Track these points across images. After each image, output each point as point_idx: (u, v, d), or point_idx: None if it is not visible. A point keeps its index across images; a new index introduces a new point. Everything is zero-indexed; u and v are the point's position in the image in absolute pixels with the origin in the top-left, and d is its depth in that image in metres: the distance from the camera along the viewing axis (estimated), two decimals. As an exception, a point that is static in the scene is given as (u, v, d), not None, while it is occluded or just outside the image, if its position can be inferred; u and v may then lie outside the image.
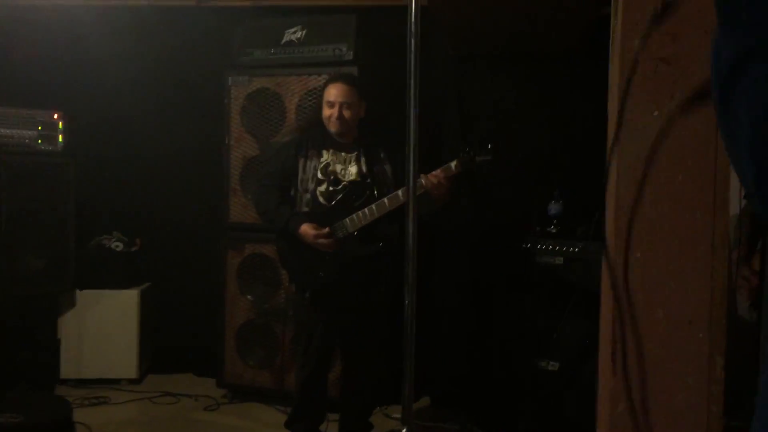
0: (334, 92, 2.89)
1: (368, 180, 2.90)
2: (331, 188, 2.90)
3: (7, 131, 3.62)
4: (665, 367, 1.49)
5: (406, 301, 1.78)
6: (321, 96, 2.97)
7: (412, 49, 1.74)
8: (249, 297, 3.70)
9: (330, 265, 2.85)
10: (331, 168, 2.93)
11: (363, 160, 2.92)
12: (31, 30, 4.01)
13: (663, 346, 1.47)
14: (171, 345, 4.19)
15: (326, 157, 2.94)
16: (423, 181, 2.65)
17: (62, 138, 3.74)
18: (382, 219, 2.80)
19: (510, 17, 2.98)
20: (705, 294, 1.40)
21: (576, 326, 2.78)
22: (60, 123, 3.74)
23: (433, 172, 2.68)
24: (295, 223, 2.86)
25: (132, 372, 3.95)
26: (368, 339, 3.01)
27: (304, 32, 3.57)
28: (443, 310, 3.70)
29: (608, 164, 1.32)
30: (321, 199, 2.90)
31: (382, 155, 2.94)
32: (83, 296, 3.92)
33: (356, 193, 2.88)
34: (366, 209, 2.80)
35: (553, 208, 3.14)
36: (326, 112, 2.91)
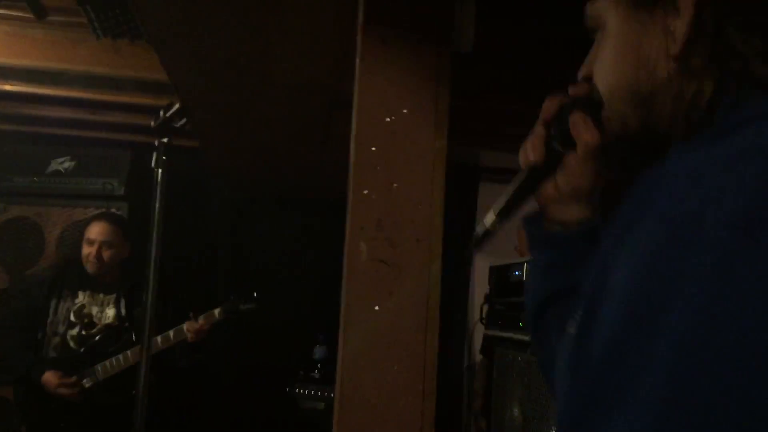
0: (95, 230, 2.79)
1: (126, 324, 2.78)
2: (84, 332, 2.73)
3: None
4: None
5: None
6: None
7: (158, 187, 1.73)
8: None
9: (73, 416, 2.63)
10: (86, 310, 2.77)
11: (123, 302, 2.81)
12: None
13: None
14: None
15: (82, 298, 2.78)
16: (185, 326, 2.62)
17: None
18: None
19: (277, 168, 3.17)
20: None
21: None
22: None
23: (197, 320, 2.66)
24: (38, 372, 2.62)
25: None
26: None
27: (73, 163, 3.45)
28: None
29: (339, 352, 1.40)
30: (72, 344, 2.72)
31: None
32: None
33: (111, 338, 2.73)
34: (120, 356, 2.67)
35: (318, 351, 3.23)
36: (85, 250, 2.79)
